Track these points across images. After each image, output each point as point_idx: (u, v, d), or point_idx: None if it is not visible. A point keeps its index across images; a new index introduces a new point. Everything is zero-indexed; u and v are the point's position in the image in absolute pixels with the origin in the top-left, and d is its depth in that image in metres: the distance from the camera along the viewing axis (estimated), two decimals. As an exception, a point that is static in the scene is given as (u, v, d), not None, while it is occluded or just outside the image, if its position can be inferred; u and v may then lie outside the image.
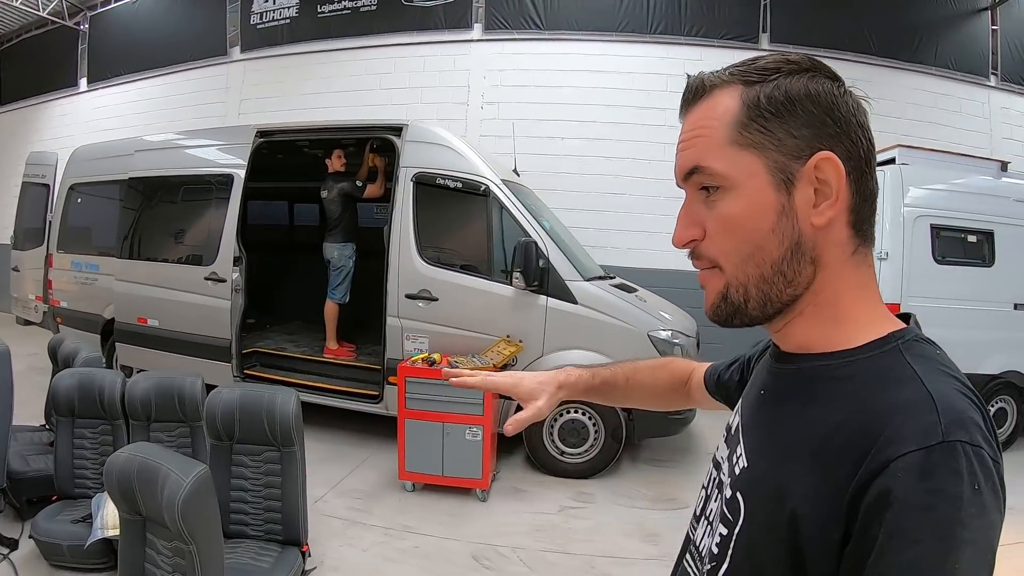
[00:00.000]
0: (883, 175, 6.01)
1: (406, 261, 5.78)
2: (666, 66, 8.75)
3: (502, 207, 5.77)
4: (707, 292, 0.91)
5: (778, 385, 0.93)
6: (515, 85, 9.18)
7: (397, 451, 5.15)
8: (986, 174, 6.89)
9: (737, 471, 0.91)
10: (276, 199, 9.05)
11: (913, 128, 8.44)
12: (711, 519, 0.97)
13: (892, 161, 6.44)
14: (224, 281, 6.28)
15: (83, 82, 12.26)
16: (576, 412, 5.60)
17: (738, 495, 0.88)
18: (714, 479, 1.02)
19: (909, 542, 0.65)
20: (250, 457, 3.46)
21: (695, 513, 1.05)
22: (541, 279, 5.51)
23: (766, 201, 0.83)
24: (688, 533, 1.06)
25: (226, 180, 6.46)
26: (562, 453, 5.64)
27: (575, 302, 5.60)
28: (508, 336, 5.60)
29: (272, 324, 8.11)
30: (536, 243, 5.52)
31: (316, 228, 8.69)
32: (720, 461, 1.01)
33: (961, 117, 9.08)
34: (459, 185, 5.82)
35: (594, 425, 5.58)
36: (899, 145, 6.57)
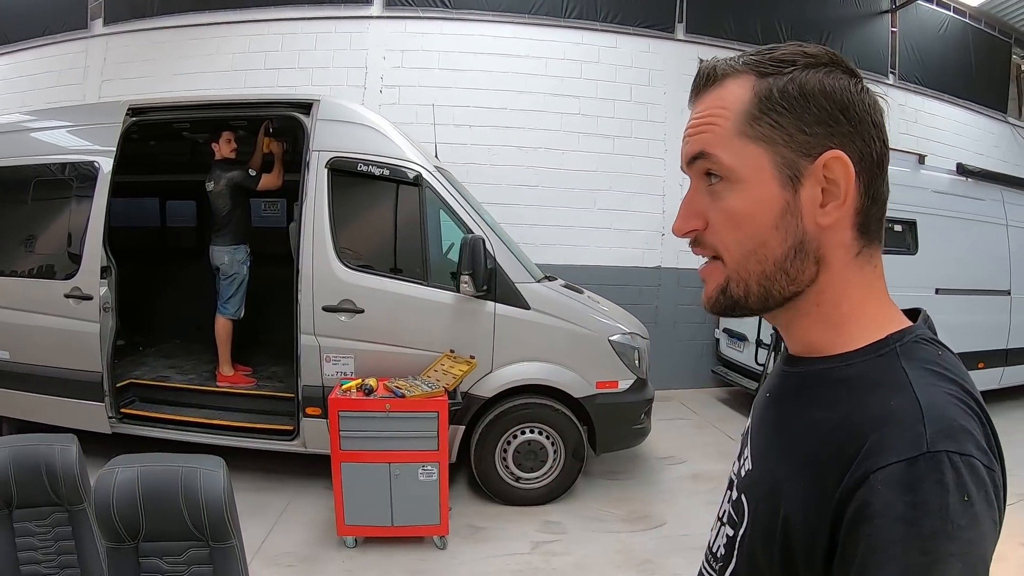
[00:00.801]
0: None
1: (322, 266, 4.62)
2: (581, 52, 8.34)
3: (439, 198, 4.79)
4: (707, 284, 0.87)
5: (783, 387, 0.91)
6: (419, 67, 8.15)
7: (331, 499, 4.16)
8: (905, 166, 7.06)
9: (743, 473, 0.91)
10: (144, 195, 7.49)
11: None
12: (723, 519, 0.94)
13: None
14: (90, 299, 4.86)
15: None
16: (533, 432, 4.77)
17: (743, 497, 0.87)
18: (730, 480, 0.98)
19: (890, 556, 0.62)
20: (168, 560, 2.22)
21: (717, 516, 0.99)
22: (488, 282, 4.60)
23: (771, 197, 0.79)
24: (709, 538, 0.99)
25: (88, 171, 5.03)
26: (518, 479, 4.85)
27: (527, 307, 4.78)
28: (452, 351, 4.61)
29: (145, 346, 6.69)
30: (484, 240, 4.58)
31: (193, 229, 7.41)
32: (734, 461, 0.99)
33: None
34: (385, 172, 4.76)
35: (553, 445, 4.82)
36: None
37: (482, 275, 4.53)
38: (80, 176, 5.06)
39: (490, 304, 4.70)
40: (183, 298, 6.86)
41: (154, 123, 5.44)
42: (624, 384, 4.92)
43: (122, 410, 5.11)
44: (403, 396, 4.06)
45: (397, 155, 4.77)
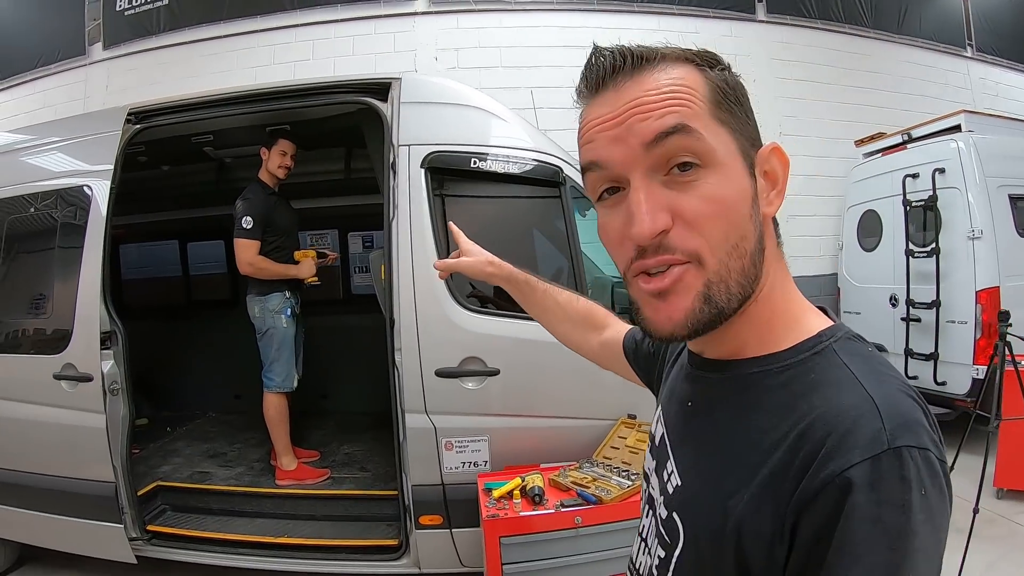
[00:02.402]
0: (955, 145, 5.27)
1: (431, 311, 2.91)
2: (659, 41, 6.34)
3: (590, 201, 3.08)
4: (675, 298, 0.70)
5: (707, 395, 0.80)
6: (479, 67, 6.53)
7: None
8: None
9: (670, 490, 0.79)
10: (160, 237, 5.84)
11: (911, 102, 7.57)
12: (645, 537, 0.86)
13: (958, 128, 5.43)
14: (88, 379, 3.15)
15: None
16: None
17: (675, 516, 0.77)
18: (644, 492, 0.91)
19: (859, 556, 0.57)
20: None
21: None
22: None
23: (745, 185, 0.71)
24: (631, 556, 0.92)
25: (77, 199, 3.36)
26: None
27: None
28: (632, 416, 2.95)
29: (174, 425, 4.99)
30: None
31: (224, 276, 5.65)
32: (648, 473, 0.90)
33: (948, 89, 8.13)
34: (511, 170, 3.08)
35: None
36: (963, 111, 5.56)
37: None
38: (66, 208, 3.39)
39: None
40: (216, 361, 5.25)
41: (164, 134, 3.83)
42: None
43: (149, 527, 3.41)
44: (598, 501, 2.47)
45: (525, 145, 3.14)
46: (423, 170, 3.02)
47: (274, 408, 3.87)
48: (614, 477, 2.65)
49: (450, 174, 3.07)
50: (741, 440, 0.69)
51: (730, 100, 0.72)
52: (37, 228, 3.46)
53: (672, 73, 0.71)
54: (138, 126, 3.43)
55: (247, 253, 3.78)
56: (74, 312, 3.18)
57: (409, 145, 3.05)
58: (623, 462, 2.76)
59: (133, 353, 3.29)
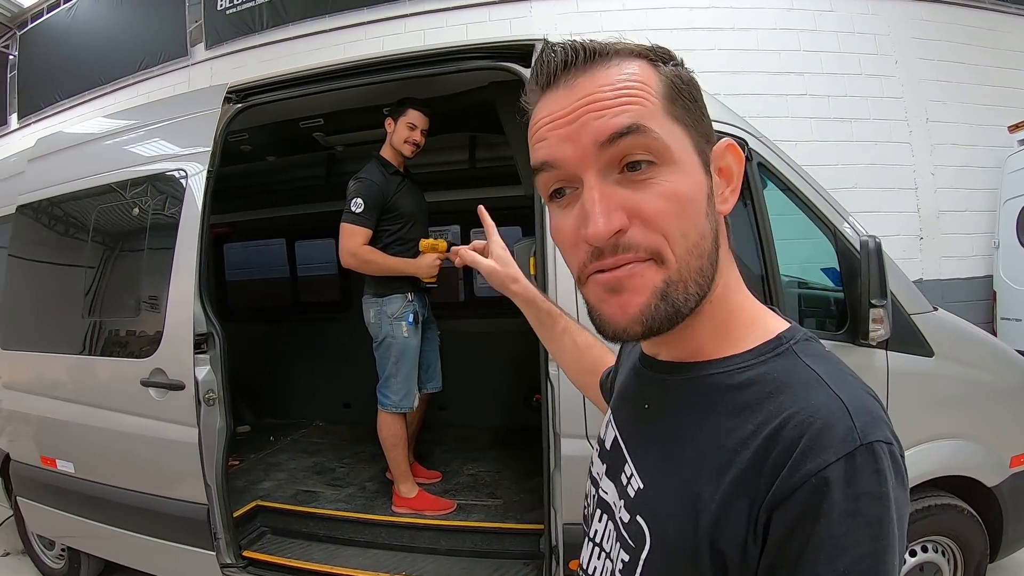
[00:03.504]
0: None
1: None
2: (795, 20, 5.99)
3: (780, 180, 2.54)
4: (632, 296, 0.66)
5: (666, 397, 0.76)
6: (599, 53, 5.88)
7: None
8: None
9: (632, 493, 0.75)
10: (263, 236, 5.37)
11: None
12: (601, 543, 0.81)
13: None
14: (180, 387, 2.63)
15: (13, 118, 8.68)
16: (927, 551, 2.66)
17: (639, 519, 0.72)
18: (593, 497, 0.86)
19: (841, 549, 0.56)
20: None
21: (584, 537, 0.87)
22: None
23: (702, 181, 0.68)
24: (581, 562, 0.86)
25: (169, 185, 2.85)
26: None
27: (930, 354, 2.52)
28: None
29: (278, 435, 4.50)
30: (880, 244, 2.33)
31: (335, 277, 5.01)
32: (597, 477, 0.85)
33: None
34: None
35: (950, 564, 2.71)
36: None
37: (890, 305, 2.33)
38: (157, 195, 2.90)
39: (879, 353, 2.42)
40: (324, 368, 4.74)
41: (269, 117, 3.39)
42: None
43: (245, 553, 2.87)
44: None
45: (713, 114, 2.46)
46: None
47: (388, 430, 3.23)
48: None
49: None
50: (706, 441, 0.66)
51: (684, 96, 0.69)
52: (126, 218, 2.99)
53: (626, 69, 0.67)
54: (239, 105, 2.91)
55: (352, 241, 3.15)
56: (165, 311, 2.67)
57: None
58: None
59: (235, 357, 2.78)
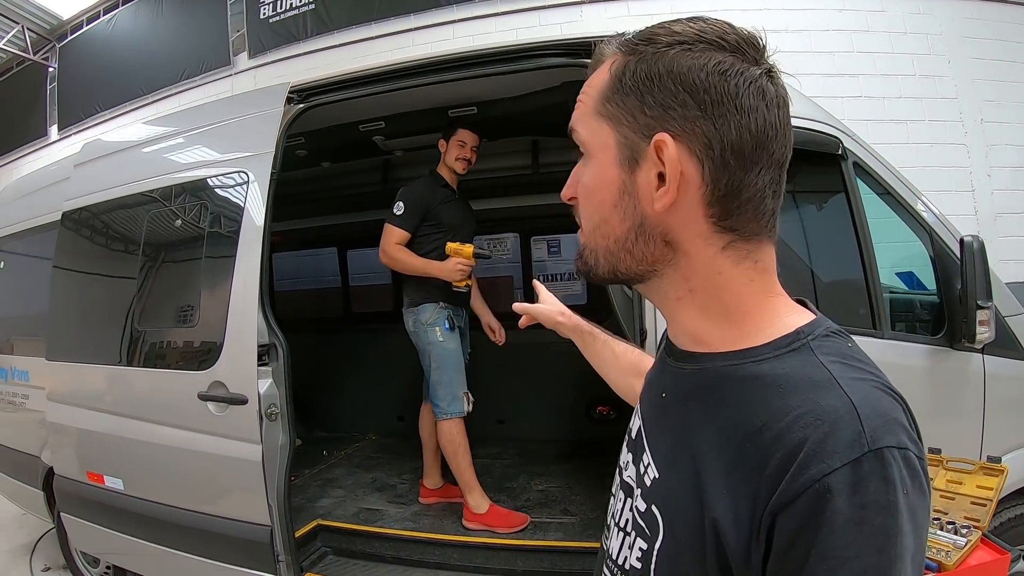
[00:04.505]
0: None
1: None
2: (846, 20, 5.72)
3: (878, 181, 2.47)
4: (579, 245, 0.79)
5: (682, 387, 0.74)
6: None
7: None
8: None
9: (648, 481, 0.74)
10: (316, 245, 5.18)
11: None
12: (625, 528, 0.78)
13: None
14: (243, 401, 2.41)
15: (53, 130, 8.58)
16: None
17: (654, 508, 0.71)
18: (619, 483, 0.84)
19: (844, 560, 0.53)
20: None
21: (607, 520, 0.85)
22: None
23: (610, 176, 0.71)
24: (602, 542, 0.86)
25: (231, 189, 2.67)
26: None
27: None
28: (935, 450, 2.18)
29: (331, 449, 4.29)
30: (983, 244, 2.28)
31: (388, 288, 4.81)
32: (623, 466, 0.84)
33: None
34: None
35: None
36: None
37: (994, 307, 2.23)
38: (218, 198, 2.71)
39: (976, 357, 2.33)
40: (376, 379, 4.55)
41: (330, 120, 3.23)
42: None
43: (307, 575, 2.67)
44: (939, 567, 1.82)
45: (799, 112, 2.24)
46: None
47: (444, 437, 3.07)
48: (939, 532, 1.91)
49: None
50: (714, 434, 0.65)
51: (624, 91, 0.68)
52: (184, 221, 2.80)
53: (598, 72, 0.73)
54: (301, 106, 2.71)
55: (386, 239, 3.10)
56: (225, 320, 2.47)
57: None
58: (936, 510, 1.99)
59: (290, 376, 2.57)
